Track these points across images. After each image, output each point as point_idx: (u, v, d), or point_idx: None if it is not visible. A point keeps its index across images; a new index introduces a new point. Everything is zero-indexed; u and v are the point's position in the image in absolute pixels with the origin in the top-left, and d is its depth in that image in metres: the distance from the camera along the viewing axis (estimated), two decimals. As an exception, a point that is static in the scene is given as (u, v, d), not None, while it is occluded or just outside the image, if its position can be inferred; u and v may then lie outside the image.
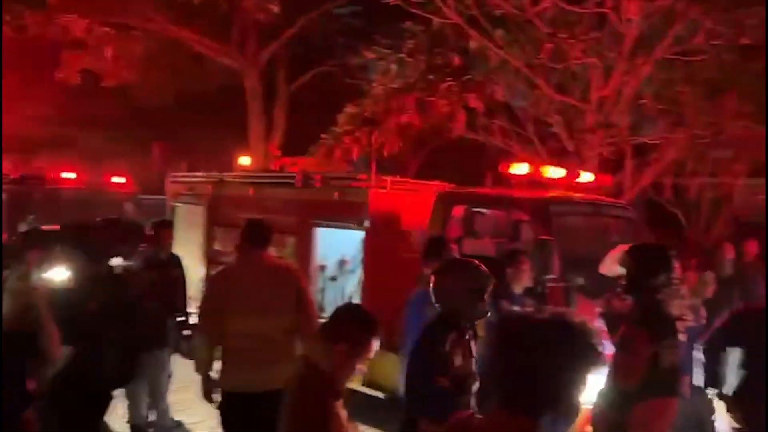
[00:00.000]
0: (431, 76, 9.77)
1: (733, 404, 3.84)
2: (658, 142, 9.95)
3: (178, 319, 5.82)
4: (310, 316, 3.88)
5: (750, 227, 11.16)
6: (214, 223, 7.92)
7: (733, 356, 3.87)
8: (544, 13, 8.97)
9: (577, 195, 6.30)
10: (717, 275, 6.54)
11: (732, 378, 3.88)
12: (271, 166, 9.97)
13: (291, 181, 7.15)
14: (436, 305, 3.07)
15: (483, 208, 6.29)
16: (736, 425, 3.85)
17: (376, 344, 2.58)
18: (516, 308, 4.59)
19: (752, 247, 8.70)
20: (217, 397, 3.89)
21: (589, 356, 1.57)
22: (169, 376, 5.58)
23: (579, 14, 8.86)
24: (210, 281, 4.20)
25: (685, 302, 4.87)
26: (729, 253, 8.67)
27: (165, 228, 5.94)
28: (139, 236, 5.01)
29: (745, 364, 3.84)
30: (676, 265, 3.60)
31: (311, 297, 4.10)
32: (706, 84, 9.18)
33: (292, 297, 3.87)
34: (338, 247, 6.81)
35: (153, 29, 13.87)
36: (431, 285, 3.07)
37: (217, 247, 7.82)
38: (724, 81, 9.17)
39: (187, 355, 4.54)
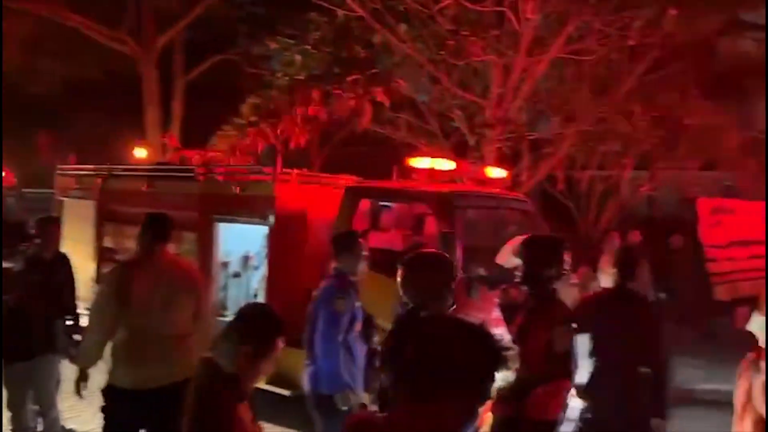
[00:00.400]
0: (337, 69, 9.73)
1: (583, 392, 3.88)
2: (552, 137, 10.46)
3: (67, 322, 5.44)
4: (203, 315, 3.82)
5: (635, 217, 12.02)
6: (105, 218, 7.47)
7: (582, 343, 3.82)
8: (446, 10, 9.16)
9: (479, 188, 6.50)
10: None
11: (584, 365, 3.85)
12: (169, 159, 9.55)
13: (190, 174, 6.87)
14: (405, 299, 3.01)
15: (389, 201, 6.34)
16: (587, 414, 3.90)
17: (281, 343, 2.53)
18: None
19: (635, 236, 9.38)
20: (86, 393, 3.81)
21: (495, 356, 1.62)
22: (58, 383, 5.22)
23: (479, 12, 9.12)
24: (108, 275, 3.98)
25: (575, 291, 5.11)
26: (616, 242, 9.29)
27: (51, 225, 5.50)
28: (20, 235, 4.62)
29: (592, 352, 3.89)
30: (568, 256, 3.77)
31: (207, 297, 4.01)
32: (595, 82, 9.75)
33: (190, 295, 3.77)
34: (241, 242, 6.63)
35: (39, 11, 12.88)
36: (399, 278, 2.99)
37: (108, 244, 7.39)
38: (612, 80, 9.78)
39: (76, 359, 4.27)
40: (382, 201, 6.30)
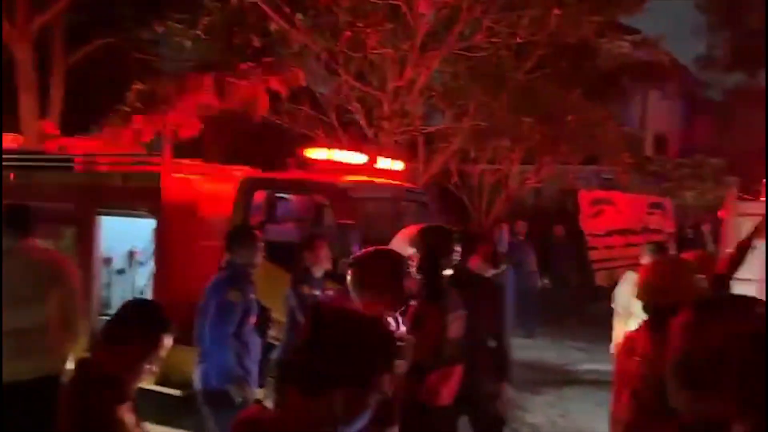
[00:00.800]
0: (230, 56, 9.43)
1: None
2: (446, 131, 10.74)
3: None
4: (72, 309, 3.60)
5: (522, 209, 12.61)
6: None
7: None
8: (342, 1, 9.13)
9: (376, 180, 6.54)
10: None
11: None
12: (46, 147, 8.84)
13: (69, 164, 6.40)
14: (356, 296, 2.89)
15: (285, 193, 6.23)
16: None
17: (168, 342, 2.40)
18: (316, 292, 4.67)
19: (522, 227, 9.86)
20: None
21: (388, 347, 1.61)
22: None
23: (375, 5, 9.16)
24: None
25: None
26: (504, 233, 9.72)
27: None
28: None
29: None
30: (459, 246, 3.86)
31: (79, 292, 3.75)
32: (485, 79, 10.10)
33: (54, 289, 3.54)
34: (127, 237, 6.26)
35: None
36: (350, 276, 2.89)
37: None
38: (501, 77, 10.17)
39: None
40: (278, 192, 6.18)
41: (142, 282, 6.24)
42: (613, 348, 5.85)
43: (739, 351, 0.83)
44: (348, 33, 9.11)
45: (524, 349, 8.65)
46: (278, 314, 4.80)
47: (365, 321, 1.66)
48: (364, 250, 3.37)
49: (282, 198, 6.22)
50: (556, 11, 8.79)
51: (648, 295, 2.82)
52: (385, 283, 2.83)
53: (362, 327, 1.62)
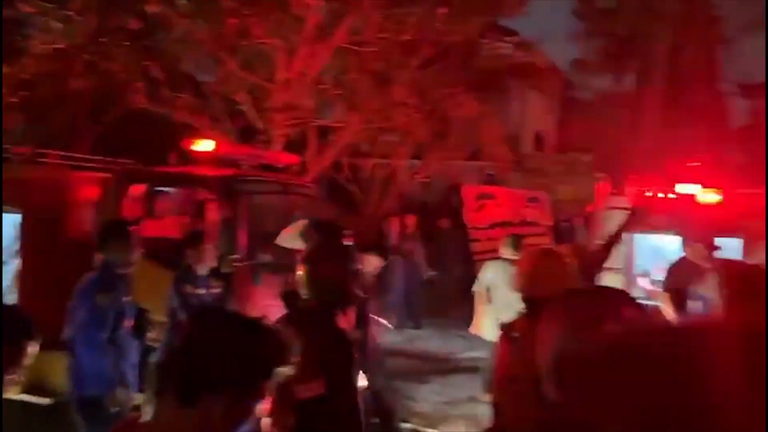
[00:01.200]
0: (104, 39, 8.82)
1: None
2: (336, 125, 10.73)
3: None
4: None
5: (411, 203, 12.89)
6: None
7: None
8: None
9: (264, 173, 6.40)
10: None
11: None
12: None
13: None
14: (308, 295, 2.74)
15: (165, 186, 5.94)
16: None
17: (33, 349, 2.20)
18: (200, 292, 4.50)
19: (411, 221, 10.08)
20: None
21: (273, 352, 1.56)
22: None
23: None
24: None
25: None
26: (394, 227, 9.89)
27: None
28: None
29: None
30: (351, 240, 3.88)
31: None
32: (375, 73, 10.19)
33: None
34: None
35: None
36: (303, 274, 2.71)
37: None
38: (390, 72, 10.30)
39: None
40: (158, 186, 5.87)
41: (5, 283, 5.71)
42: (472, 329, 6.15)
43: (604, 353, 0.86)
44: (233, 20, 8.83)
45: (412, 339, 8.86)
46: (159, 315, 4.57)
47: (249, 323, 1.60)
48: (315, 246, 3.27)
49: (162, 192, 5.92)
50: (442, 10, 9.03)
51: (523, 285, 2.95)
52: (335, 281, 2.79)
53: (245, 329, 1.55)
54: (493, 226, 10.98)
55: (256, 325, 1.60)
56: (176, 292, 4.42)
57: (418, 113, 10.31)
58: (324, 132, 10.91)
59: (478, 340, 7.76)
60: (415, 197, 13.30)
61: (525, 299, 3.01)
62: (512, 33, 13.73)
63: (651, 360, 0.81)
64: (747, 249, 6.54)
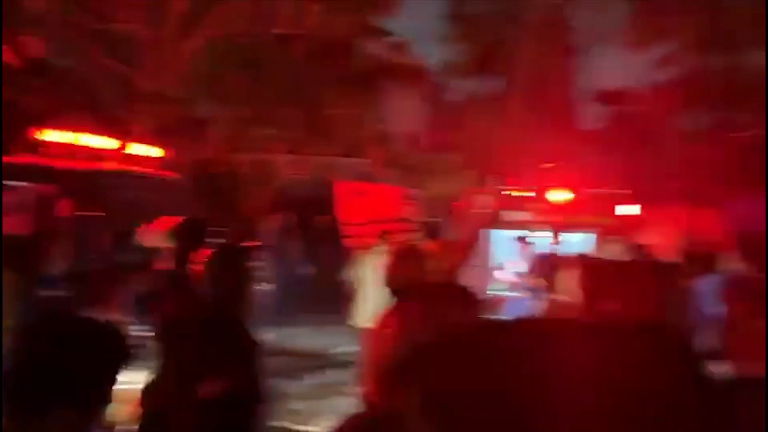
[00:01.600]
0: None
1: None
2: (208, 117, 10.37)
3: None
4: None
5: (287, 199, 12.75)
6: None
7: None
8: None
9: (127, 167, 6.06)
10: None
11: None
12: None
13: None
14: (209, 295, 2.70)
15: (10, 180, 5.42)
16: None
17: None
18: (49, 293, 4.17)
19: (287, 217, 9.99)
20: None
21: (122, 355, 1.49)
22: None
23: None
24: None
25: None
26: (273, 224, 9.75)
27: None
28: None
29: None
30: (222, 236, 3.79)
31: None
32: (248, 66, 9.98)
33: None
34: None
35: None
36: (206, 275, 2.68)
37: None
38: (265, 66, 10.13)
39: None
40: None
41: None
42: (351, 322, 6.29)
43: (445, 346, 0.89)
44: (92, 2, 8.25)
45: (288, 336, 8.78)
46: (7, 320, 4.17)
47: (95, 328, 1.51)
48: (222, 246, 3.15)
49: (6, 186, 5.40)
50: (314, 6, 9.03)
51: (388, 279, 3.05)
52: (237, 282, 2.78)
53: (85, 339, 1.46)
54: (367, 222, 11.18)
55: (101, 329, 1.52)
56: (20, 295, 4.07)
57: (293, 108, 10.23)
58: (195, 124, 10.50)
59: (353, 335, 7.88)
60: (292, 193, 13.19)
61: (391, 293, 3.11)
62: (386, 33, 13.99)
63: (481, 352, 0.86)
64: (597, 244, 7.20)
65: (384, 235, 5.85)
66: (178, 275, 3.61)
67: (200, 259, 3.72)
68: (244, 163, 12.57)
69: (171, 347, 3.45)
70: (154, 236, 4.20)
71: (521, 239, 5.40)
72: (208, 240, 3.70)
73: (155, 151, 6.62)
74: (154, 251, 4.48)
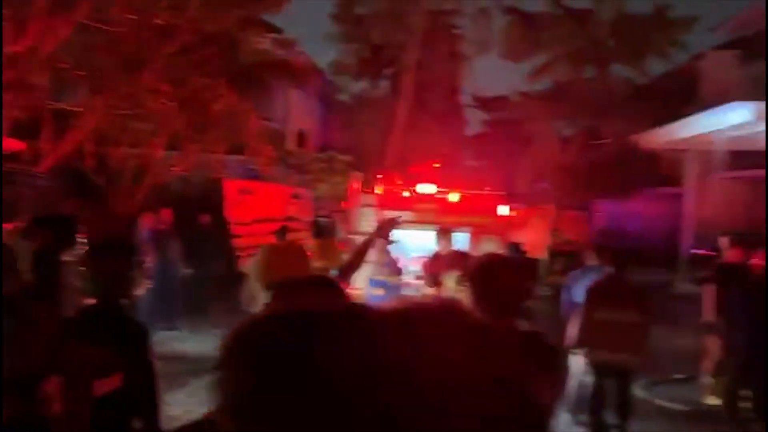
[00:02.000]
0: None
1: None
2: (77, 108, 9.66)
3: None
4: None
5: (168, 196, 12.18)
6: None
7: None
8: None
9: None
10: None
11: None
12: None
13: None
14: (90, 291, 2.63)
15: None
16: None
17: None
18: None
19: (166, 215, 9.53)
20: None
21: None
22: None
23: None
24: None
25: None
26: (147, 222, 9.25)
27: None
28: None
29: None
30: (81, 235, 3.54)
31: None
32: (124, 56, 9.40)
33: None
34: None
35: None
36: (90, 270, 2.58)
37: None
38: (141, 55, 9.59)
39: None
40: None
41: None
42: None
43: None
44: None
45: (167, 340, 8.38)
46: None
47: None
48: (106, 239, 3.03)
49: None
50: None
51: (263, 275, 3.01)
52: (116, 272, 2.70)
53: None
54: (255, 222, 10.95)
55: None
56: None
57: (173, 101, 9.77)
58: (63, 116, 9.72)
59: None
60: (172, 191, 12.61)
61: (266, 290, 3.07)
62: (276, 30, 13.76)
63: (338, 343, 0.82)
64: (472, 242, 7.56)
65: (281, 234, 5.77)
66: (47, 272, 3.34)
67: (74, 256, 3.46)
68: (119, 158, 11.84)
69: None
70: (16, 235, 3.85)
71: (388, 239, 5.52)
72: (76, 238, 3.45)
73: (15, 144, 6.08)
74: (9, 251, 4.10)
